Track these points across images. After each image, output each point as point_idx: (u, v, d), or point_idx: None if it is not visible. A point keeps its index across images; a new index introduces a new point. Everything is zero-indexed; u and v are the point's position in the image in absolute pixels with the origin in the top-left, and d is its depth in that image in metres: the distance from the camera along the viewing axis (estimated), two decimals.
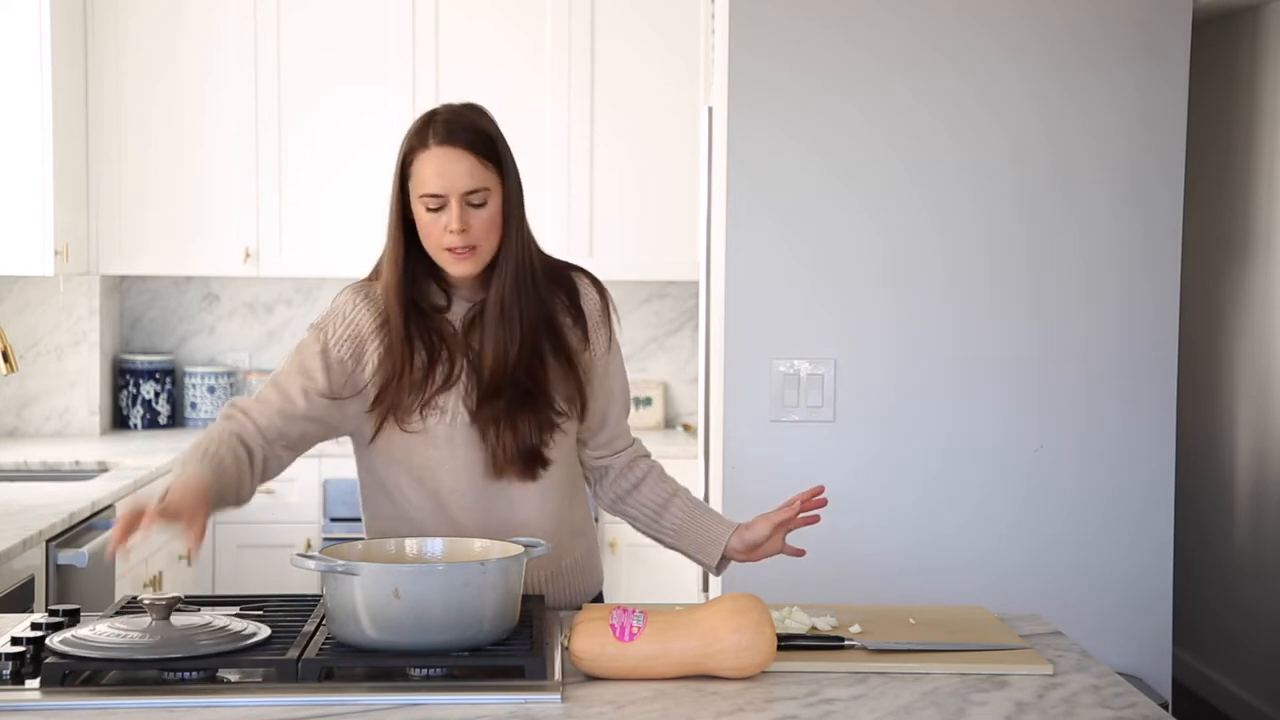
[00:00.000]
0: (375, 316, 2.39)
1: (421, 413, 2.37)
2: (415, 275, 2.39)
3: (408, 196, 2.36)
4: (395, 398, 2.36)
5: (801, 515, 2.45)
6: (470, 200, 2.32)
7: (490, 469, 2.39)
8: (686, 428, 5.47)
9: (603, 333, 2.50)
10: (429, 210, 2.32)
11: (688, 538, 2.52)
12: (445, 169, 2.31)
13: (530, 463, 2.39)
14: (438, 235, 2.32)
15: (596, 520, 2.68)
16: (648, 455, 2.61)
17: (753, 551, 2.47)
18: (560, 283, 2.49)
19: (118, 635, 2.01)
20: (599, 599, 2.64)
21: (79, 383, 5.19)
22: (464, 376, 2.38)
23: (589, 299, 2.50)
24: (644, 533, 2.60)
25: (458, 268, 2.35)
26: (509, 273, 2.37)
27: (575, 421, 2.47)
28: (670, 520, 2.54)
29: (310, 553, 2.06)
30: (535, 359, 2.40)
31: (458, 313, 2.41)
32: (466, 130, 2.34)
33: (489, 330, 2.37)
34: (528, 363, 2.38)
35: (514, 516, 2.43)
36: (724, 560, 2.51)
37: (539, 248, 2.47)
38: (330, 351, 2.38)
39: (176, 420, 5.41)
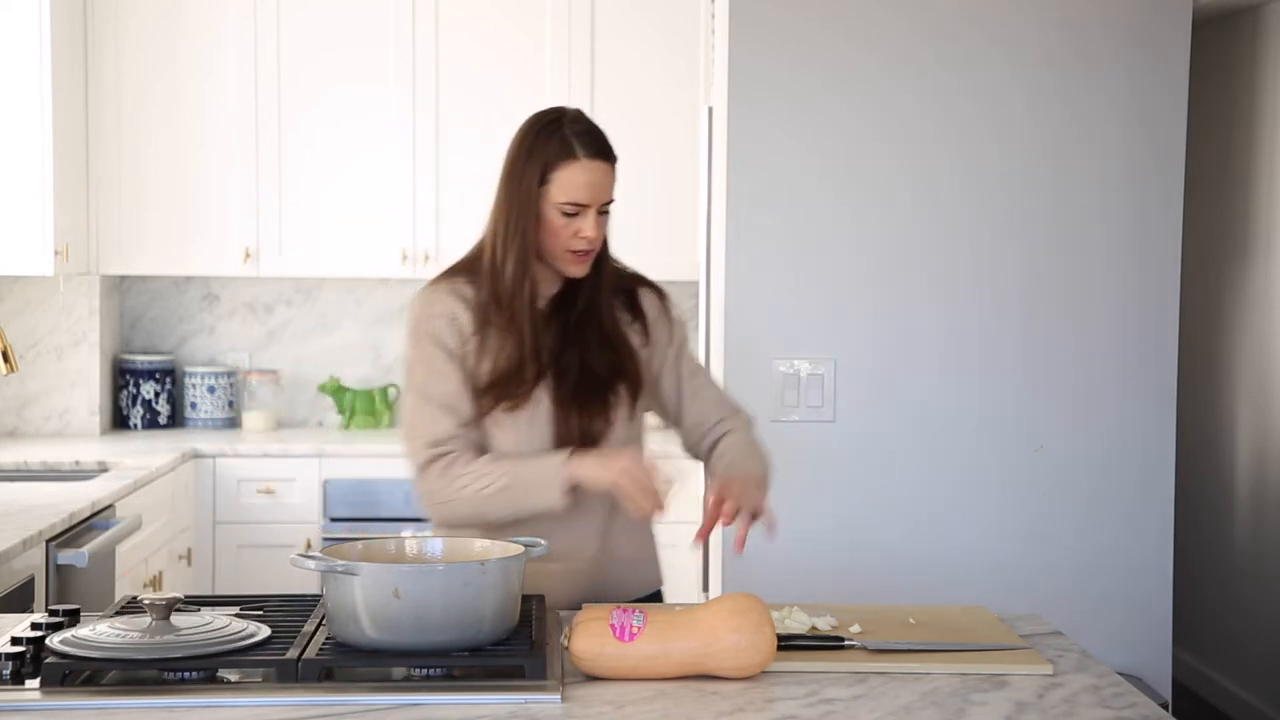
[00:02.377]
0: (465, 307, 2.52)
1: (518, 399, 2.49)
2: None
3: (542, 197, 2.47)
4: (510, 386, 2.48)
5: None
6: (602, 209, 2.51)
7: (555, 448, 2.50)
8: None
9: (662, 327, 2.64)
10: (565, 214, 2.47)
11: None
12: (593, 181, 2.48)
13: (591, 443, 2.50)
14: (566, 238, 2.49)
15: None
16: (735, 418, 2.67)
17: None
18: (619, 284, 2.62)
19: (118, 635, 2.01)
20: (658, 595, 2.68)
21: (79, 383, 5.19)
22: (548, 364, 2.52)
23: (648, 299, 2.66)
24: None
25: (577, 268, 2.52)
26: (601, 273, 2.56)
27: (634, 412, 2.57)
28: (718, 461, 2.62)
29: (310, 553, 2.06)
30: (606, 351, 2.54)
31: (540, 305, 2.55)
32: (604, 143, 2.52)
33: (577, 324, 2.53)
34: (598, 354, 2.52)
35: (575, 497, 2.50)
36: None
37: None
38: (451, 348, 2.50)
39: (176, 420, 5.41)
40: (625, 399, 2.55)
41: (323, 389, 5.37)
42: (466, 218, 5.10)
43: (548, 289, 2.55)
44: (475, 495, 2.44)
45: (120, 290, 5.43)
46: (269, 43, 5.08)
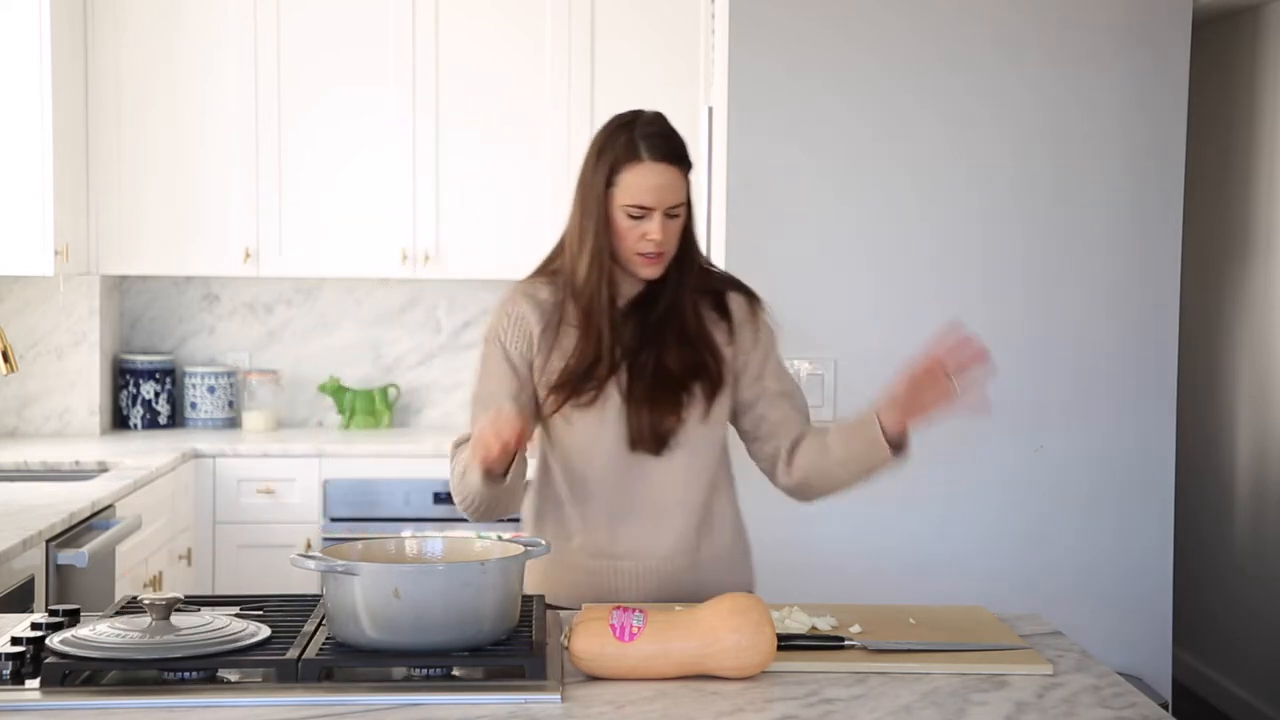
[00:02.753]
0: (535, 309, 2.55)
1: (588, 397, 2.51)
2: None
3: (609, 198, 2.49)
4: (580, 383, 2.51)
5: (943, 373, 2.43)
6: (670, 212, 2.48)
7: (627, 444, 2.52)
8: None
9: (748, 331, 2.60)
10: (630, 217, 2.48)
11: (855, 455, 2.52)
12: (658, 184, 2.47)
13: (660, 439, 2.52)
14: (633, 241, 2.49)
15: None
16: (806, 429, 2.62)
17: (911, 411, 2.46)
18: (708, 286, 2.61)
19: (118, 635, 2.01)
20: None
21: (79, 383, 5.19)
22: (622, 362, 2.53)
23: (736, 301, 2.63)
24: (832, 487, 2.60)
25: (647, 270, 2.52)
26: (683, 275, 2.55)
27: (709, 411, 2.55)
28: (835, 454, 2.55)
29: (310, 553, 2.07)
30: (685, 350, 2.53)
31: (619, 304, 2.56)
32: (675, 147, 2.51)
33: (657, 324, 2.53)
34: (676, 352, 2.53)
35: (646, 495, 2.55)
36: (898, 446, 2.51)
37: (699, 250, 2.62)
38: (510, 351, 2.54)
39: (176, 420, 5.41)
40: (700, 398, 2.54)
41: (323, 389, 5.37)
42: (466, 218, 5.14)
43: (630, 289, 2.56)
44: (459, 483, 2.48)
45: (120, 290, 5.43)
46: (269, 43, 5.08)
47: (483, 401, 2.54)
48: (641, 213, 2.47)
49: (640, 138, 2.48)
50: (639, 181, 2.47)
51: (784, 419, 2.61)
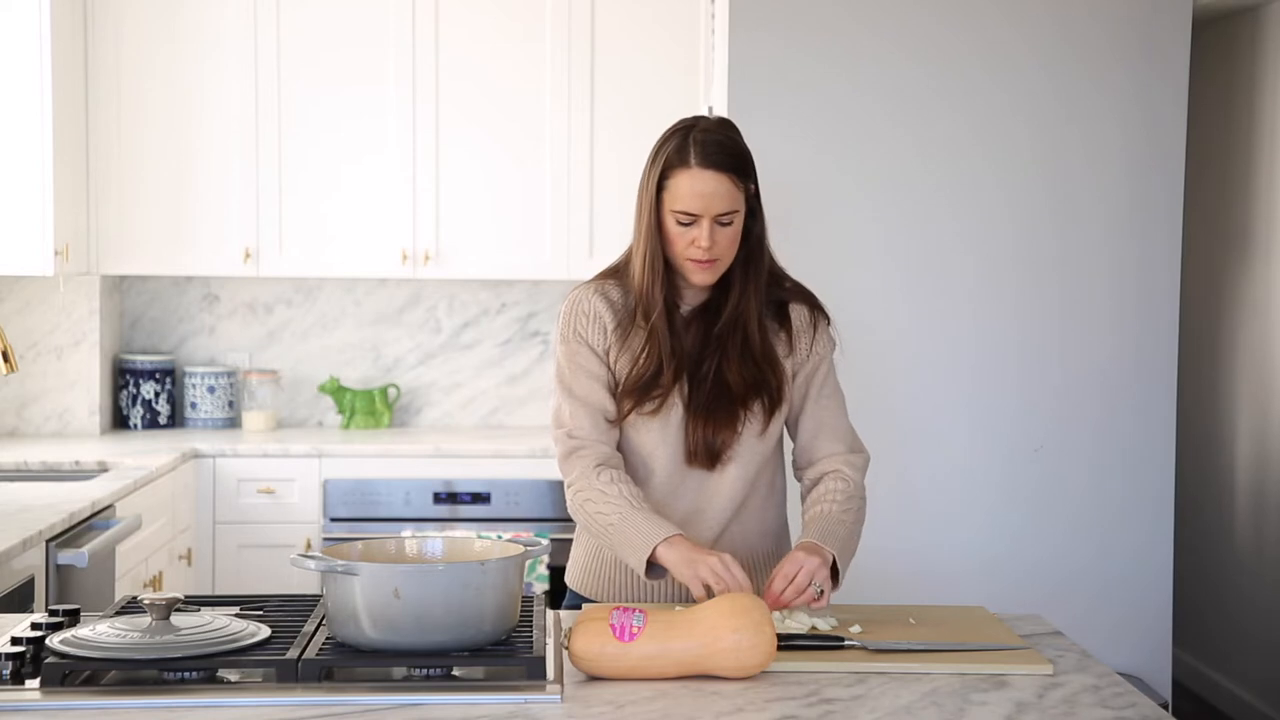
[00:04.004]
0: (609, 308, 2.55)
1: (654, 403, 2.52)
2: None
3: (660, 203, 2.48)
4: (647, 389, 2.51)
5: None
6: (720, 220, 2.45)
7: (683, 457, 2.54)
8: None
9: (805, 339, 2.60)
10: (680, 224, 2.46)
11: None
12: (704, 190, 2.44)
13: (714, 455, 2.54)
14: (684, 246, 2.48)
15: None
16: (837, 472, 2.61)
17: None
18: (773, 295, 2.60)
19: (118, 635, 2.01)
20: None
21: (79, 383, 5.19)
22: (684, 370, 2.54)
23: (797, 310, 2.62)
24: None
25: (699, 277, 2.50)
26: (747, 284, 2.53)
27: (767, 427, 2.56)
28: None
29: (310, 553, 2.07)
30: (747, 363, 2.53)
31: (683, 311, 2.56)
32: (726, 153, 2.47)
33: (720, 333, 2.52)
34: (738, 366, 2.52)
35: (697, 502, 2.57)
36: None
37: (774, 259, 2.60)
38: (594, 346, 2.55)
39: (176, 420, 5.41)
40: (760, 414, 2.54)
41: (323, 389, 5.37)
42: (466, 218, 5.14)
43: (694, 296, 2.55)
44: (592, 515, 2.48)
45: (120, 290, 5.43)
46: (269, 43, 5.08)
47: (584, 400, 2.53)
48: (689, 219, 2.45)
49: (693, 143, 2.46)
50: (687, 187, 2.44)
51: (816, 436, 2.62)
